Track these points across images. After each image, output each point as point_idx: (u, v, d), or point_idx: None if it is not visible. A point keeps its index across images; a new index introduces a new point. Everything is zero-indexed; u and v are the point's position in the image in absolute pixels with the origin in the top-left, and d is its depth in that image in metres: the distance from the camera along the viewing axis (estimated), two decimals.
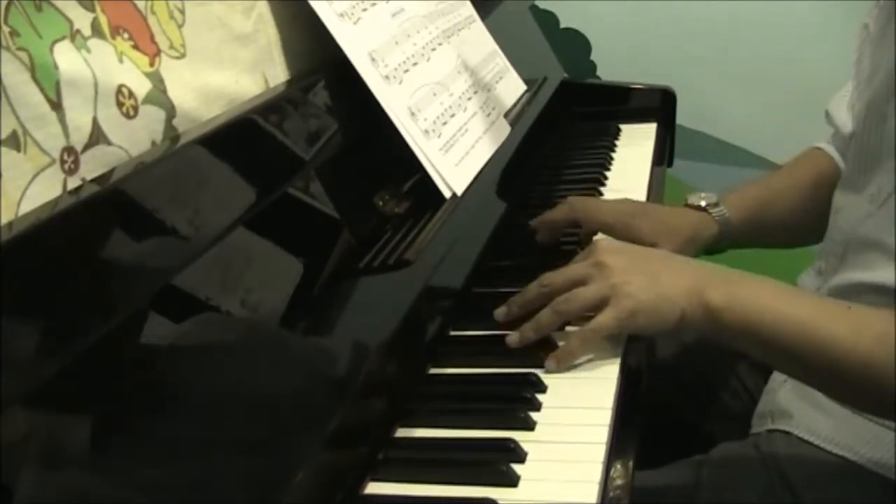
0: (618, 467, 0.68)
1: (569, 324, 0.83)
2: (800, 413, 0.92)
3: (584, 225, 1.02)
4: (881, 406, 0.78)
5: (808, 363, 0.77)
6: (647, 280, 0.80)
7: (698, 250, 1.06)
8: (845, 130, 1.04)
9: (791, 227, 1.11)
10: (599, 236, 0.98)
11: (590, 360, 0.80)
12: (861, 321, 0.77)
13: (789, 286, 0.81)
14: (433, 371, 0.81)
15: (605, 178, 1.27)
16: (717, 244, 1.08)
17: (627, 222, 1.00)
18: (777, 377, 0.99)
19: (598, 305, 0.80)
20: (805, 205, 1.10)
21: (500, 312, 0.85)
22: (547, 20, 1.95)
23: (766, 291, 0.80)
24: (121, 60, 0.69)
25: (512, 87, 1.27)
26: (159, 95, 0.72)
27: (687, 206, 1.09)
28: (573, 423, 0.73)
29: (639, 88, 1.54)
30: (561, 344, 0.81)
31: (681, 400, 1.10)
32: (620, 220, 1.01)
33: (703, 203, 1.08)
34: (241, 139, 0.75)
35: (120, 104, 0.67)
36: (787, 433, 0.92)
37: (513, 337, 0.82)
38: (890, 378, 0.73)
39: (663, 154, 1.39)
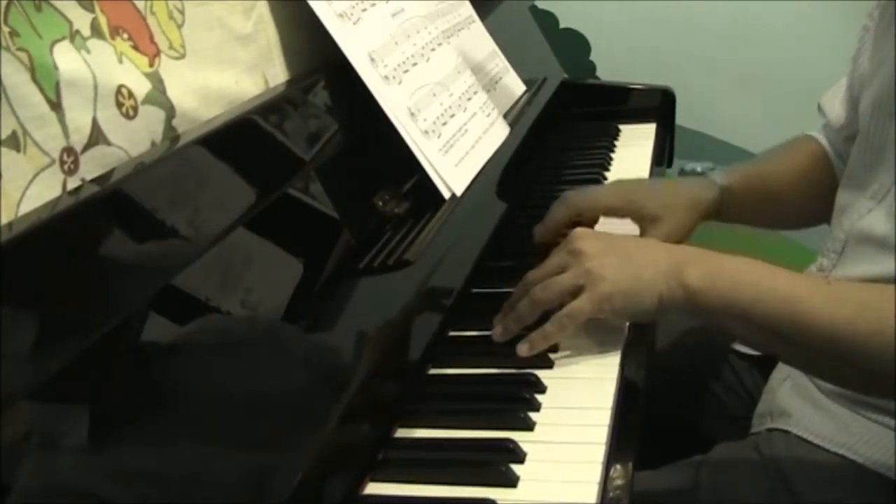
0: (617, 468, 0.68)
1: None
2: (799, 412, 0.92)
3: (585, 215, 1.01)
4: (863, 380, 0.78)
5: (790, 338, 0.77)
6: (623, 264, 0.80)
7: (702, 216, 1.04)
8: (836, 123, 1.07)
9: (787, 203, 1.12)
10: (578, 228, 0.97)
11: (589, 361, 0.80)
12: (841, 293, 0.77)
13: (767, 264, 0.81)
14: (433, 371, 0.82)
15: (605, 178, 1.27)
16: (719, 212, 1.07)
17: (631, 199, 1.00)
18: (777, 377, 0.99)
19: (575, 292, 0.80)
20: (800, 183, 1.10)
21: (497, 332, 0.83)
22: (547, 20, 1.96)
23: (746, 268, 0.80)
24: (120, 61, 0.69)
25: (512, 88, 1.27)
26: (159, 96, 0.72)
27: (683, 172, 1.09)
28: (572, 423, 0.73)
29: (638, 89, 1.54)
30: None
31: (680, 400, 1.10)
32: (622, 200, 1.00)
33: (699, 168, 1.08)
34: (241, 139, 0.75)
35: (120, 104, 0.67)
36: (787, 432, 0.92)
37: (496, 331, 0.82)
38: (872, 348, 0.72)
39: (663, 154, 1.39)
